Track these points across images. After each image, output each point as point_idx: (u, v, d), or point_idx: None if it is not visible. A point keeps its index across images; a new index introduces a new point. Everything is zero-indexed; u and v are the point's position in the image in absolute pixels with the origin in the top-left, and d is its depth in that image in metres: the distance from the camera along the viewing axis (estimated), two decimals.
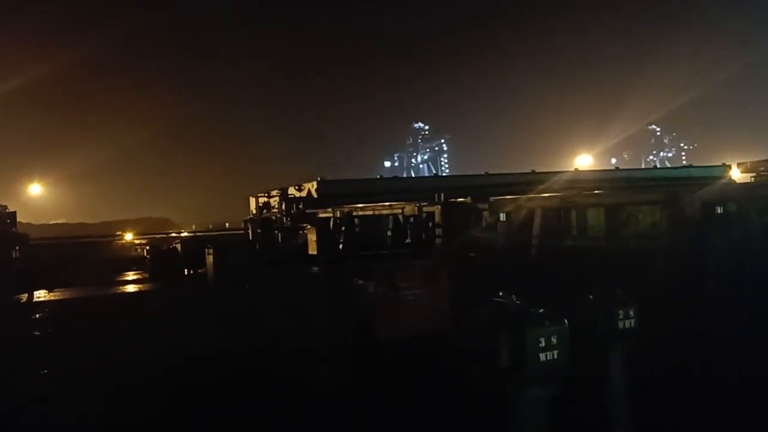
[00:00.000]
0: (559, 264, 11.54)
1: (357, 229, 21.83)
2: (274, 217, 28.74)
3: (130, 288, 19.27)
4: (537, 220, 13.30)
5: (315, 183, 26.93)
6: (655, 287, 9.62)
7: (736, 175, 27.48)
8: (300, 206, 26.56)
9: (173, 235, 38.32)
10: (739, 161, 29.07)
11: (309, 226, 25.61)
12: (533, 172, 26.70)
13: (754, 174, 27.35)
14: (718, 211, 9.53)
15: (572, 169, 30.09)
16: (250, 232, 29.97)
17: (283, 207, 27.65)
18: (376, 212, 21.32)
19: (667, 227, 10.17)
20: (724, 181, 25.64)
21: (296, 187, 27.97)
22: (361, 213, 21.87)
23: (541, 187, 21.93)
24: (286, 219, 27.38)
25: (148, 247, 25.43)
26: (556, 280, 10.10)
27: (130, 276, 22.55)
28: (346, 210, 22.01)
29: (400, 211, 19.81)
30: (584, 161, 62.92)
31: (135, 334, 10.82)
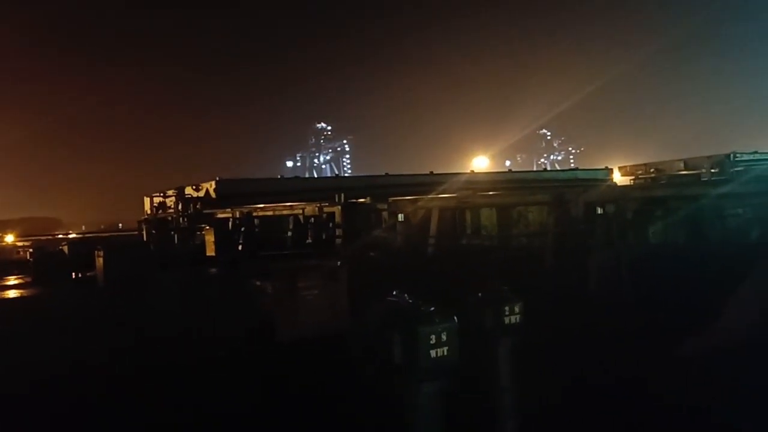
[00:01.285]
0: (454, 262, 11.94)
1: (256, 230, 21.54)
2: (170, 218, 27.86)
3: (10, 293, 18.04)
4: (434, 220, 13.68)
5: (213, 183, 26.28)
6: (543, 282, 10.17)
7: (617, 177, 29.48)
8: (197, 206, 25.87)
9: (60, 236, 36.29)
10: (620, 164, 31.27)
11: (207, 227, 25.01)
12: (432, 173, 27.32)
13: (633, 176, 29.54)
14: (599, 212, 10.22)
15: (469, 171, 31.02)
16: (144, 233, 28.91)
17: (180, 207, 26.85)
18: (277, 213, 21.16)
19: (553, 226, 10.77)
20: (606, 183, 27.33)
21: (194, 187, 27.20)
22: (261, 213, 21.60)
23: (439, 188, 22.54)
24: (183, 219, 26.60)
25: (31, 250, 23.89)
26: (450, 277, 10.45)
27: (11, 281, 21.12)
28: (245, 210, 21.66)
29: (300, 211, 19.77)
30: (481, 163, 65.15)
31: (12, 341, 10.16)
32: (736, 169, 25.05)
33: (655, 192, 9.67)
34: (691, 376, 6.33)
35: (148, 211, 30.01)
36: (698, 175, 23.92)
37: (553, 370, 6.73)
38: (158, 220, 28.16)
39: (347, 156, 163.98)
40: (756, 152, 26.70)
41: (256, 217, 21.65)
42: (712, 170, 26.13)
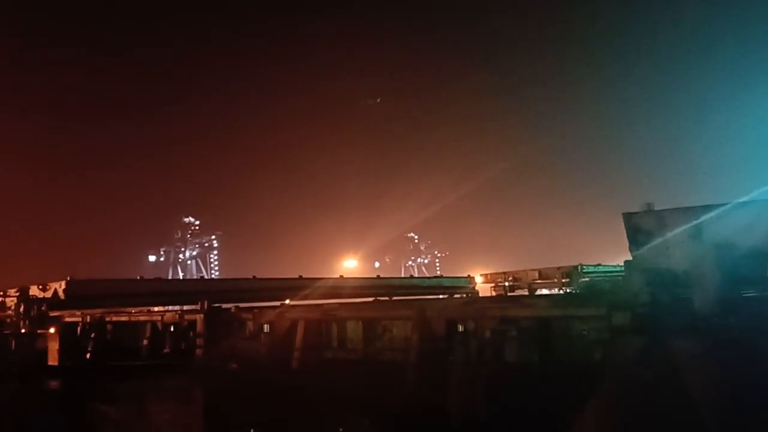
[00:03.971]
0: (319, 378, 11.72)
1: (108, 336, 20.06)
2: (9, 320, 25.31)
3: None
4: (300, 331, 13.45)
5: (63, 283, 24.36)
6: (406, 399, 10.24)
7: (480, 281, 31.00)
8: (43, 308, 23.78)
9: None
10: (482, 271, 32.94)
11: (52, 332, 22.97)
12: (301, 277, 27.10)
13: (494, 284, 31.13)
14: (460, 329, 10.61)
15: (338, 276, 31.19)
16: None
17: (22, 309, 24.51)
18: (133, 318, 19.91)
19: (416, 342, 10.98)
20: (468, 290, 28.58)
21: (40, 287, 25.05)
22: (115, 318, 20.23)
23: (307, 292, 22.39)
24: (24, 322, 24.26)
25: None
26: (314, 395, 10.24)
27: None
28: (97, 314, 20.22)
29: (159, 318, 18.74)
30: (350, 264, 66.30)
31: None
32: (583, 279, 27.51)
33: (510, 312, 10.24)
34: None
35: None
36: (550, 296, 25.73)
37: None
38: None
39: (215, 252, 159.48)
40: (599, 264, 29.34)
41: (110, 322, 20.23)
42: (563, 280, 28.46)
